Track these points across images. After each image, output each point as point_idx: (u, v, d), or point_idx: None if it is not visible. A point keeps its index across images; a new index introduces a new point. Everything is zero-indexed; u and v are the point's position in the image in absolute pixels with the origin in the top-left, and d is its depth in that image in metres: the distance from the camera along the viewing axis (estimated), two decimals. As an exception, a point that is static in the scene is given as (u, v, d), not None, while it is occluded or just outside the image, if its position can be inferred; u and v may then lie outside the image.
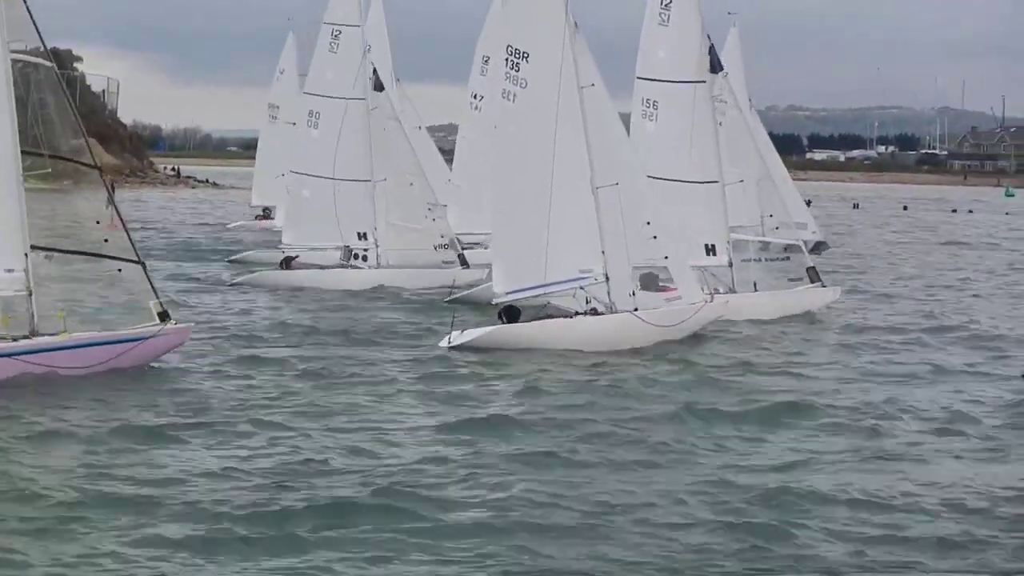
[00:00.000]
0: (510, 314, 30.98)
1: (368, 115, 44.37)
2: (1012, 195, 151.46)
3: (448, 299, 35.04)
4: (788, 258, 34.62)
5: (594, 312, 30.66)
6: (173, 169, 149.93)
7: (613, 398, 24.18)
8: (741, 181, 34.13)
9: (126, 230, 26.82)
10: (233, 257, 52.34)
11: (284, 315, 36.03)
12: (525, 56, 30.63)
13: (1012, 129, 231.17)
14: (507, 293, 30.95)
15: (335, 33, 44.84)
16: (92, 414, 22.00)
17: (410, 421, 22.10)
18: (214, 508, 16.33)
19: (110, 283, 27.64)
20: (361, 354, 29.40)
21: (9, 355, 24.59)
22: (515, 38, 30.79)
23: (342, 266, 44.49)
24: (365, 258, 44.31)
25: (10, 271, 25.44)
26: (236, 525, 15.66)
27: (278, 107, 72.98)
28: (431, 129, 65.07)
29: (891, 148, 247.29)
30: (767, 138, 36.96)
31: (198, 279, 45.02)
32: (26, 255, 25.52)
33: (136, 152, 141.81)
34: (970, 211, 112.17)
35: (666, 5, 34.17)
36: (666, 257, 31.07)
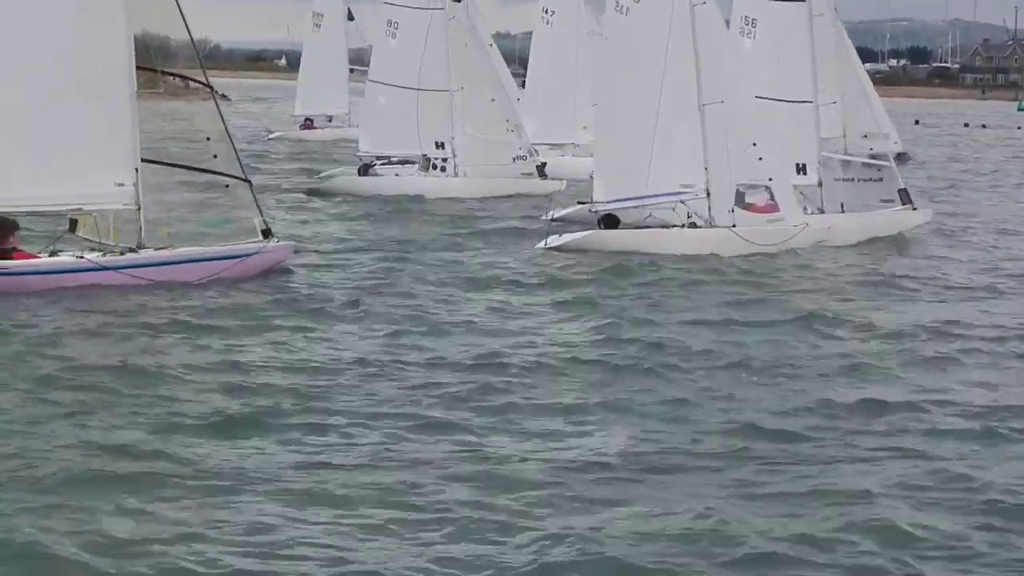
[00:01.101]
0: (609, 222, 31.76)
1: (447, 25, 44.63)
2: None
3: (551, 217, 35.54)
4: (881, 179, 35.08)
5: (693, 226, 31.54)
6: (183, 81, 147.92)
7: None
8: (834, 103, 34.64)
9: (234, 147, 27.34)
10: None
11: (378, 224, 36.79)
12: (640, -31, 31.29)
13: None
14: (608, 202, 31.75)
15: None
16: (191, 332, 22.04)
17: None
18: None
19: (217, 198, 28.77)
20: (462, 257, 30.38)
21: (116, 268, 25.36)
22: (629, -49, 31.40)
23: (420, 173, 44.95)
24: (443, 168, 44.80)
25: (120, 184, 25.99)
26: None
27: (322, 15, 73.27)
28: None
29: (903, 61, 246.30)
30: (854, 51, 37.29)
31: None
32: (136, 170, 26.07)
33: (147, 64, 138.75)
34: (983, 126, 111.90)
35: (770, -77, 34.55)
36: (770, 179, 31.74)
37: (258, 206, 27.47)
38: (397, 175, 45.05)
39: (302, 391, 17.65)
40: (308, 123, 73.60)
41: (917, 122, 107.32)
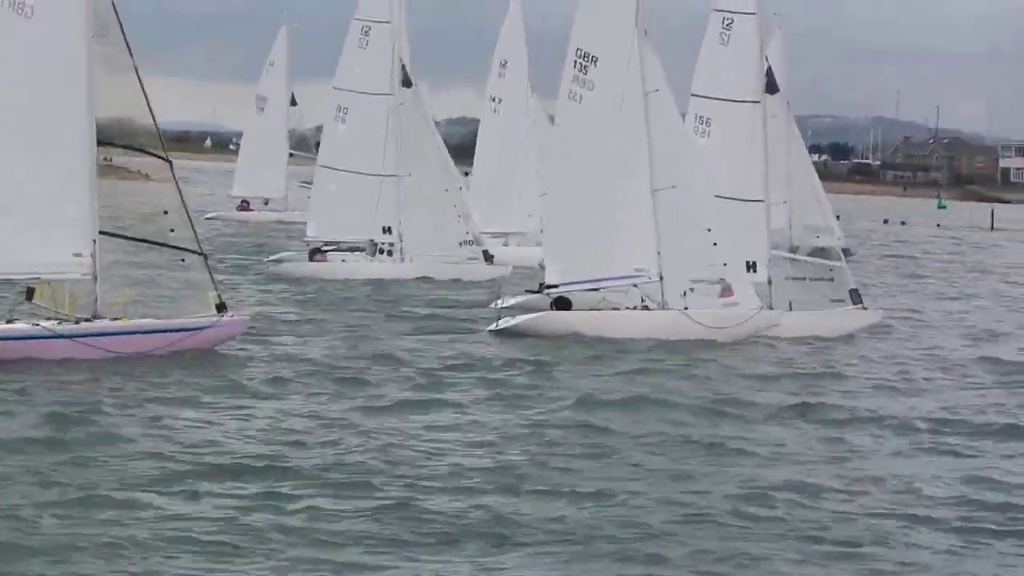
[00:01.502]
0: (561, 304, 32.20)
1: (396, 110, 45.33)
2: (944, 207, 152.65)
3: (503, 306, 36.04)
4: (832, 279, 35.47)
5: (646, 309, 31.99)
6: (106, 159, 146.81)
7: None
8: (785, 202, 35.20)
9: (191, 222, 27.84)
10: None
11: (325, 305, 37.20)
12: (594, 60, 31.96)
13: (945, 140, 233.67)
14: (561, 285, 32.18)
15: (365, 29, 45.89)
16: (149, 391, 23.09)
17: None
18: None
19: (173, 272, 28.78)
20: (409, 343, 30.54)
21: (70, 336, 25.75)
22: (584, 42, 32.13)
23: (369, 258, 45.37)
24: (390, 252, 45.19)
25: (78, 255, 26.56)
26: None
27: (266, 99, 74.14)
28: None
29: (824, 157, 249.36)
30: (804, 148, 38.00)
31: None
32: (94, 241, 26.61)
33: None
34: (902, 222, 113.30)
35: (727, 25, 35.09)
36: (725, 264, 32.33)
37: (213, 281, 27.94)
38: (344, 260, 45.23)
39: (230, 462, 18.17)
40: (244, 204, 73.98)
41: (838, 217, 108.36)
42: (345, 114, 45.68)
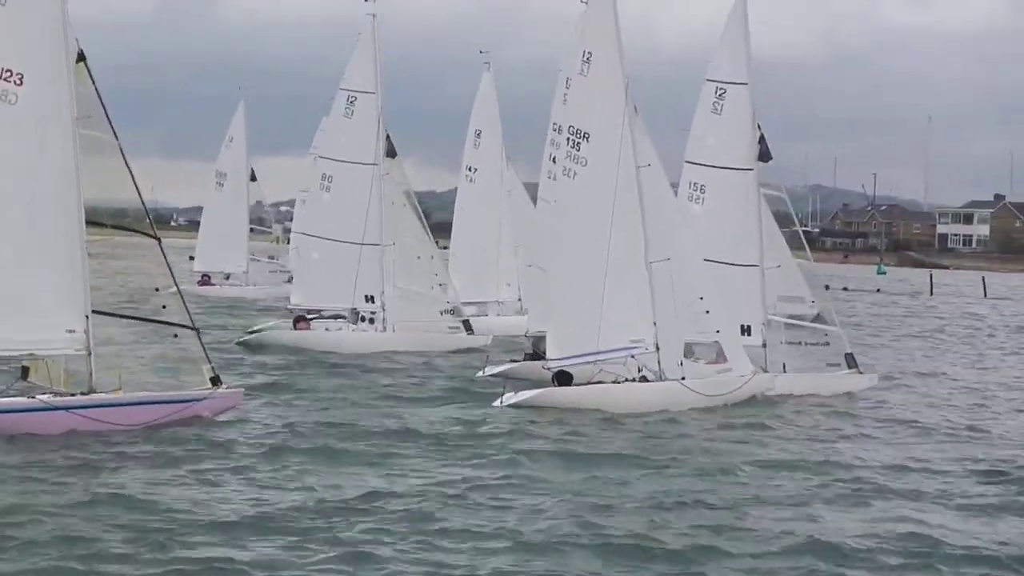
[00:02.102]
0: (562, 378, 32.35)
1: (380, 180, 45.57)
2: (884, 272, 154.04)
3: (489, 373, 36.59)
4: (828, 343, 35.94)
5: (644, 379, 32.14)
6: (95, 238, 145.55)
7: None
8: (779, 266, 35.65)
9: (182, 298, 28.22)
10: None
11: (313, 373, 37.20)
12: (586, 136, 32.35)
13: (882, 207, 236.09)
14: (560, 359, 32.27)
15: (351, 99, 46.13)
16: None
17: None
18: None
19: (166, 346, 29.07)
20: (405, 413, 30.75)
21: (66, 408, 26.10)
22: (577, 119, 32.61)
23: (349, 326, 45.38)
24: (372, 320, 45.23)
25: (71, 331, 26.91)
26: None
27: (226, 175, 74.22)
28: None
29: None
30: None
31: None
32: (87, 317, 26.97)
33: None
34: (844, 288, 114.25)
35: (720, 95, 35.64)
36: (717, 331, 32.62)
37: (206, 354, 28.31)
38: (327, 329, 45.13)
39: (220, 537, 18.47)
40: (205, 279, 73.73)
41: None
42: (330, 182, 45.89)
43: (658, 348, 32.07)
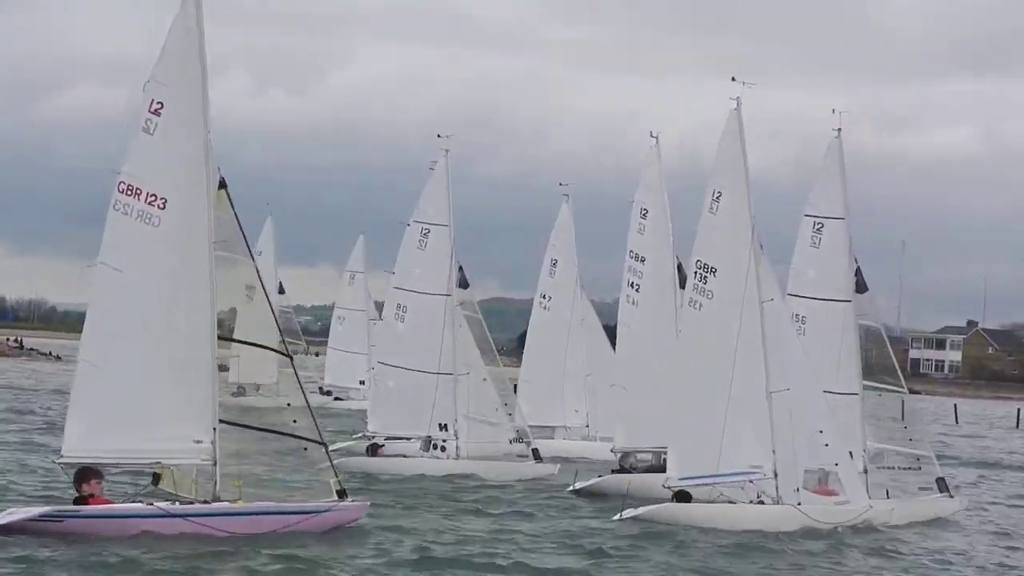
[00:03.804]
0: (682, 497, 34.02)
1: (454, 310, 47.00)
2: None
3: (571, 489, 38.69)
4: (920, 468, 37.65)
5: (761, 503, 33.81)
6: (16, 340, 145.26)
7: None
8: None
9: (312, 414, 29.56)
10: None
11: (409, 496, 38.30)
12: (713, 271, 34.11)
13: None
14: (681, 479, 34.00)
15: (424, 231, 47.41)
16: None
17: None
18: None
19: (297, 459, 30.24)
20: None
21: (184, 516, 27.48)
22: (704, 254, 34.27)
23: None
24: (444, 448, 46.42)
25: (198, 442, 28.29)
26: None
27: (254, 288, 75.29)
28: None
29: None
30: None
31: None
32: (214, 429, 28.33)
33: None
34: None
35: (818, 229, 37.61)
36: (836, 464, 34.39)
37: (333, 468, 29.54)
38: (404, 455, 46.53)
39: None
40: (241, 390, 74.45)
41: None
42: (404, 312, 47.13)
43: (776, 475, 33.70)
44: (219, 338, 28.86)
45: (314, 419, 29.40)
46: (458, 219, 47.16)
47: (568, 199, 56.91)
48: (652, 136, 42.98)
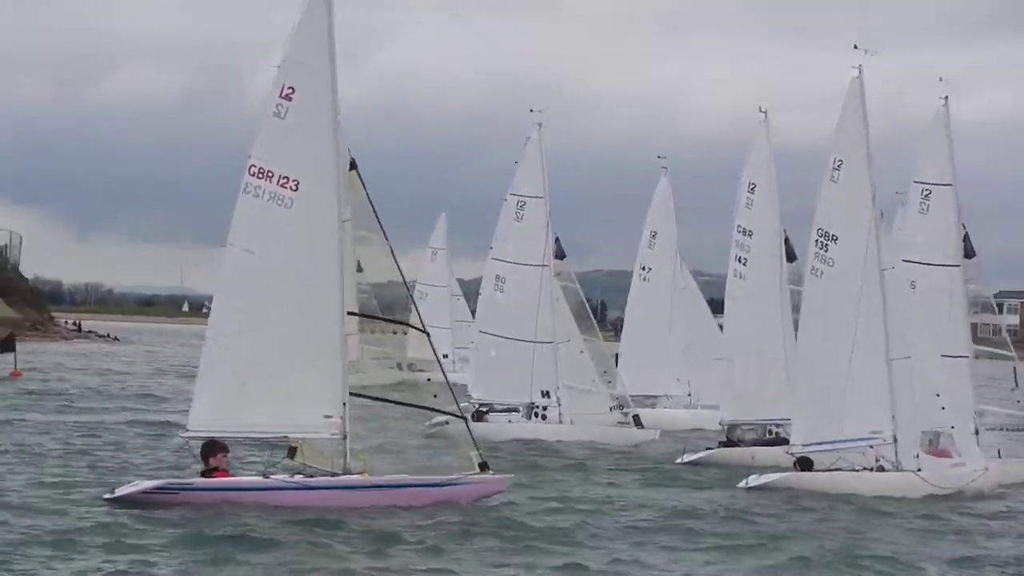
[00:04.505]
0: (804, 464, 34.72)
1: (551, 281, 48.04)
2: None
3: (687, 460, 39.33)
4: (1024, 429, 38.32)
5: (881, 469, 34.41)
6: (74, 323, 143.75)
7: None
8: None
9: (449, 387, 29.82)
10: None
11: (530, 461, 39.12)
12: (834, 238, 34.63)
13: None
14: (804, 446, 34.70)
15: (520, 204, 48.49)
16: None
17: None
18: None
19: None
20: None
21: (344, 488, 28.04)
22: (826, 222, 34.78)
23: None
24: (544, 416, 47.47)
25: (328, 416, 28.67)
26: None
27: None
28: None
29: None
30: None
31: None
32: (344, 404, 28.70)
33: (37, 306, 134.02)
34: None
35: (926, 195, 38.26)
36: (952, 427, 35.03)
37: (474, 440, 29.71)
38: (510, 421, 47.46)
39: None
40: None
41: None
42: (503, 283, 48.21)
43: (896, 440, 34.26)
44: (360, 315, 29.44)
45: (453, 393, 29.78)
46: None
47: (666, 171, 58.07)
48: (761, 111, 43.52)
